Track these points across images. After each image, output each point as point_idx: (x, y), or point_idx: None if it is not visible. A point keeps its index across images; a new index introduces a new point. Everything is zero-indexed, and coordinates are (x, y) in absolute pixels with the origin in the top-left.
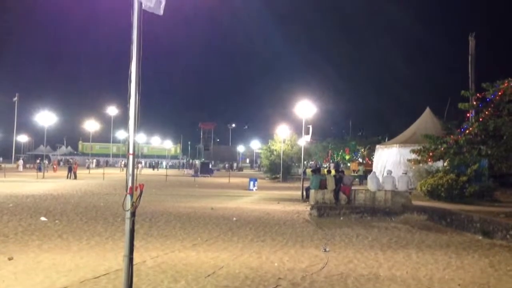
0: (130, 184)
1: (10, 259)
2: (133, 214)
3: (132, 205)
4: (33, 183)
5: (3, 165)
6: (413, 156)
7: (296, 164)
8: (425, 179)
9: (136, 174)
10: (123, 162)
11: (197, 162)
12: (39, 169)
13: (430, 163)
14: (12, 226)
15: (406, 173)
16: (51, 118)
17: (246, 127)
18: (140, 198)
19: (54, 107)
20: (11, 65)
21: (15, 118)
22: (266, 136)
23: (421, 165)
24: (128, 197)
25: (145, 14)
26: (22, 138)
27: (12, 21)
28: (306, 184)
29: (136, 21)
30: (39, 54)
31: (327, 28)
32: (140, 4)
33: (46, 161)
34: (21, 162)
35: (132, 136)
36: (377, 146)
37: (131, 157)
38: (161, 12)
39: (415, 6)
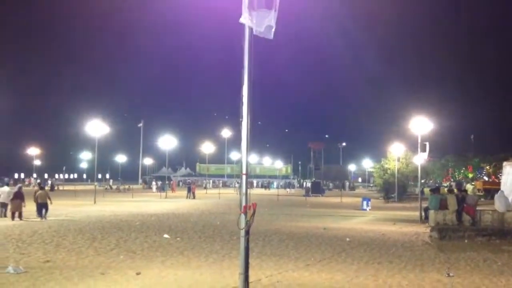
0: (244, 203)
1: (138, 274)
2: (247, 233)
3: (246, 223)
4: (156, 203)
5: (131, 186)
6: None
7: (412, 183)
8: None
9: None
10: (237, 183)
11: (308, 181)
12: (162, 189)
13: None
14: (139, 242)
15: None
16: (171, 142)
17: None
18: (253, 217)
19: (175, 131)
20: (136, 93)
21: (140, 142)
22: (377, 154)
23: None
24: (242, 216)
25: (255, 39)
26: (147, 161)
27: (137, 53)
28: (425, 204)
29: (247, 46)
30: (160, 82)
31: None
32: (251, 30)
33: (172, 182)
34: (154, 184)
35: (245, 156)
36: (504, 163)
37: (244, 177)
38: (271, 36)
39: None
